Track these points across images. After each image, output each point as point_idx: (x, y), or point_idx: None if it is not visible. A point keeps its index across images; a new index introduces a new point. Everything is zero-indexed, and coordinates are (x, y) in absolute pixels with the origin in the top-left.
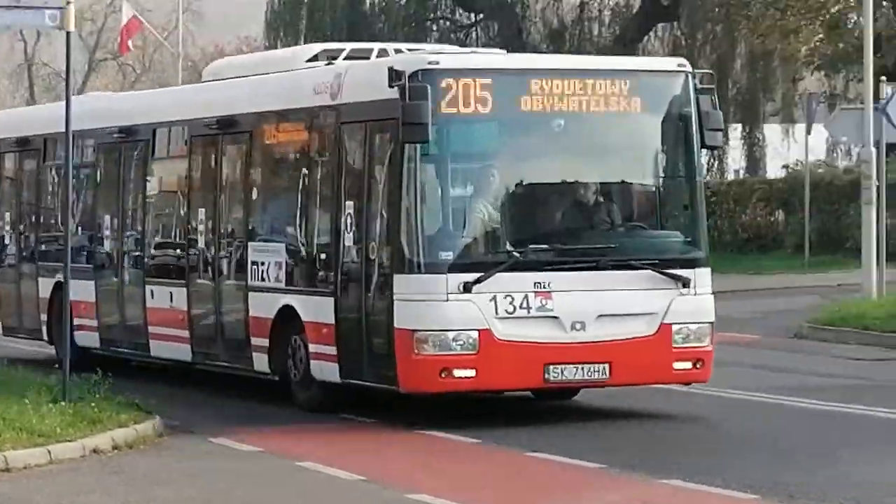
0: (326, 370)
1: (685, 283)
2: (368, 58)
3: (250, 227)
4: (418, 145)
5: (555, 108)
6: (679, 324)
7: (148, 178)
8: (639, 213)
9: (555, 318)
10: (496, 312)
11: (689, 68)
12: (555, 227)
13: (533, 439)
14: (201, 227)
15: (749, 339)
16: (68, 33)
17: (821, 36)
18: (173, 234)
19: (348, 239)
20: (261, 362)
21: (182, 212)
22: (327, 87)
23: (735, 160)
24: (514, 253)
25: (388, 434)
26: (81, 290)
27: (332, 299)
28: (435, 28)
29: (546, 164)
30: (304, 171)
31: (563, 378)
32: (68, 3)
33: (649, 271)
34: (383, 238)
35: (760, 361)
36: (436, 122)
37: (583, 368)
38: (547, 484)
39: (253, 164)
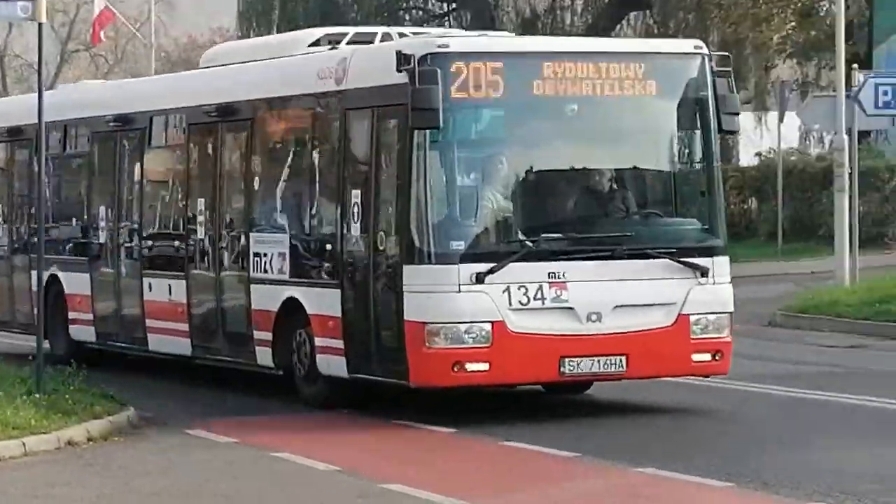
0: (333, 365)
1: (703, 273)
2: (372, 42)
3: (252, 218)
4: (428, 131)
5: (568, 93)
6: (697, 314)
7: (144, 167)
8: (655, 200)
9: (570, 309)
10: (510, 304)
11: (705, 50)
12: (569, 216)
13: (508, 429)
14: (200, 218)
15: None
16: (40, 24)
17: (793, 24)
18: (171, 224)
19: (355, 229)
20: (264, 357)
21: (180, 202)
22: (332, 72)
23: None
24: (528, 242)
25: (364, 425)
26: (76, 283)
27: (338, 291)
28: (408, 17)
29: (559, 150)
30: (308, 158)
31: (579, 371)
32: None
33: (666, 260)
34: (392, 228)
35: (734, 349)
36: (446, 107)
37: (599, 361)
38: (522, 473)
39: (254, 152)
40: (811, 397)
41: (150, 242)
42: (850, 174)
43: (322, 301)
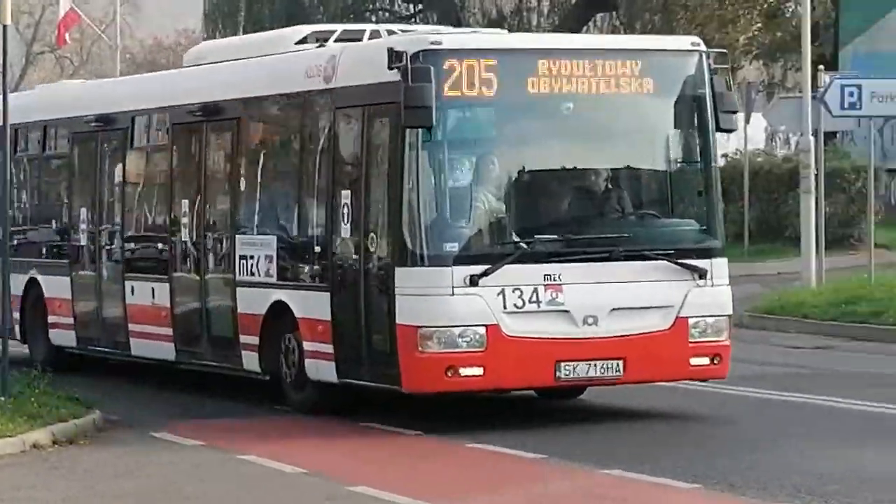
0: (322, 370)
1: (702, 274)
2: (360, 39)
3: (238, 219)
4: (420, 130)
5: (563, 90)
6: (696, 317)
7: (126, 168)
8: (652, 201)
9: (566, 312)
10: (504, 307)
11: (703, 47)
12: (565, 216)
13: (474, 432)
14: (185, 220)
15: None
16: (5, 26)
17: (759, 25)
18: (154, 227)
19: (345, 231)
20: (250, 361)
21: (164, 203)
22: (320, 70)
23: None
24: (523, 244)
25: (331, 427)
26: (56, 287)
27: (327, 294)
28: (374, 19)
29: (555, 150)
30: (296, 159)
31: (576, 376)
32: None
33: (664, 262)
34: (383, 229)
35: None
36: (439, 105)
37: (595, 365)
38: (489, 475)
39: (240, 153)
40: (777, 398)
41: (132, 245)
42: (817, 175)
43: (311, 304)
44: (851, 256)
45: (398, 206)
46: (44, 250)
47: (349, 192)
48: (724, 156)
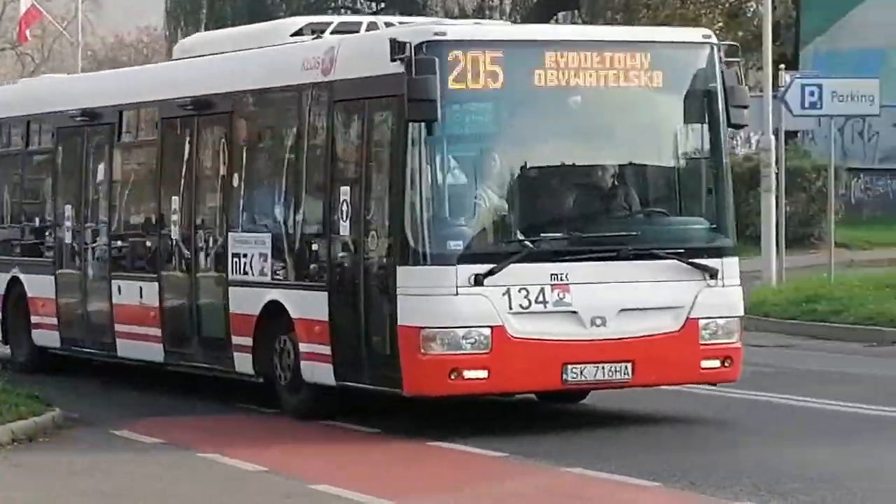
0: (319, 372)
1: (713, 274)
2: (357, 31)
3: (230, 217)
4: (424, 124)
5: (571, 84)
6: (706, 318)
7: (113, 163)
8: (661, 198)
9: (573, 312)
10: (510, 307)
11: (714, 40)
12: (572, 214)
13: (436, 430)
14: (175, 217)
15: None
16: None
17: (720, 24)
18: (143, 224)
19: (344, 228)
20: (243, 363)
21: (152, 200)
22: (318, 63)
23: None
24: (529, 242)
25: (291, 425)
26: (39, 286)
27: (325, 294)
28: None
29: (562, 145)
30: (292, 154)
31: (583, 379)
32: None
33: (674, 261)
34: (385, 227)
35: None
36: (442, 98)
37: (603, 368)
38: (449, 473)
39: (233, 148)
40: (739, 397)
41: (119, 243)
42: (777, 174)
43: (307, 304)
44: (812, 255)
45: (400, 203)
46: (27, 248)
47: (348, 188)
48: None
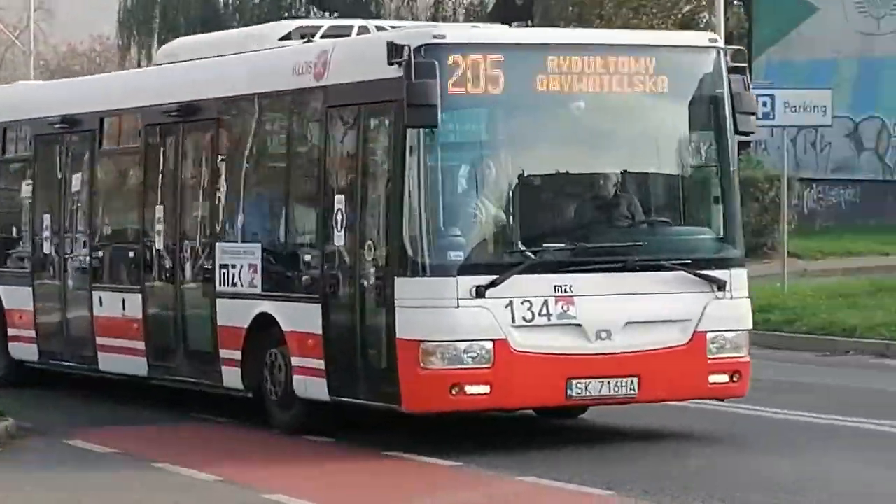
0: (312, 387)
1: (720, 286)
2: (348, 35)
3: (218, 226)
4: (422, 130)
5: (574, 89)
6: (714, 331)
7: (94, 171)
8: (668, 207)
9: (578, 325)
10: (513, 320)
11: (720, 44)
12: (576, 223)
13: (388, 441)
14: (159, 227)
15: None
16: None
17: None
18: (125, 234)
19: (338, 238)
20: (231, 378)
21: (136, 210)
22: (310, 67)
23: None
24: (532, 253)
25: (244, 435)
26: (17, 297)
27: (318, 306)
28: None
29: (564, 152)
30: (283, 161)
31: (588, 394)
32: None
33: (681, 272)
34: (382, 236)
35: None
36: (442, 104)
37: (609, 383)
38: (402, 483)
39: (220, 155)
40: (692, 406)
41: (100, 253)
42: None
43: (300, 317)
44: (765, 265)
45: (398, 212)
46: (3, 258)
47: (343, 196)
48: None
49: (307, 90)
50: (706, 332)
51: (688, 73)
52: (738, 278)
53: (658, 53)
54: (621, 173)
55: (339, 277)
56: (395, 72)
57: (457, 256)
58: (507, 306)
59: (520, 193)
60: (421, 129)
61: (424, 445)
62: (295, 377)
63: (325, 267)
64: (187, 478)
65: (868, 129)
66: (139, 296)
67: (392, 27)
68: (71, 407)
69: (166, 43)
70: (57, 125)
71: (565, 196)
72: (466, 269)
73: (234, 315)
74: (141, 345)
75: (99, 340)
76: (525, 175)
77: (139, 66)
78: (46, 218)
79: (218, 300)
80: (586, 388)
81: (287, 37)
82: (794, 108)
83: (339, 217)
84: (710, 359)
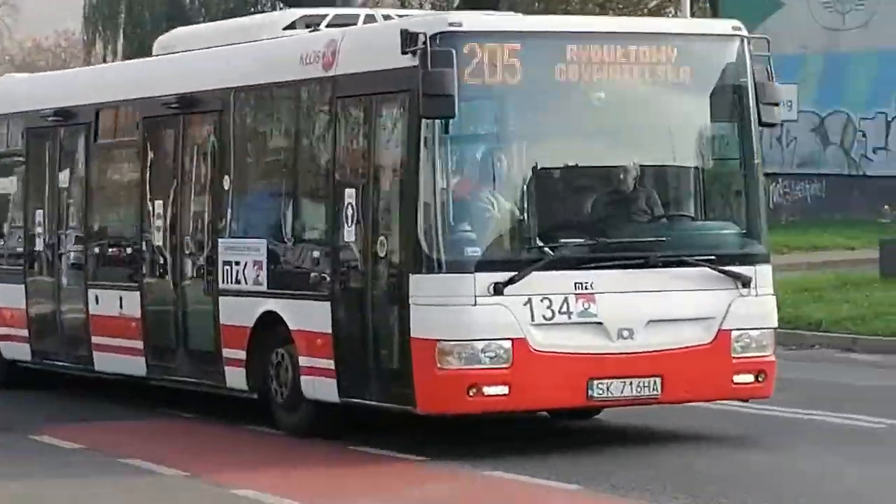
0: (321, 388)
1: (745, 283)
2: (355, 24)
3: (221, 222)
4: (439, 122)
5: (594, 79)
6: (739, 330)
7: (90, 166)
8: (691, 201)
9: (599, 324)
10: (532, 318)
11: (744, 32)
12: (597, 218)
13: (356, 435)
14: (158, 223)
15: None
16: None
17: None
18: (123, 230)
19: (349, 234)
20: (235, 378)
21: (134, 205)
22: (318, 57)
23: None
24: (552, 248)
25: (211, 430)
26: (9, 295)
27: (328, 304)
28: None
29: (584, 144)
30: (290, 154)
31: (609, 395)
32: None
33: (706, 268)
34: (395, 232)
35: None
36: (458, 94)
37: (631, 383)
38: (369, 478)
39: (223, 148)
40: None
41: (96, 250)
42: None
43: (308, 315)
44: None
45: (413, 206)
46: None
47: (354, 190)
48: None
49: (315, 80)
50: (731, 330)
51: (711, 63)
52: (763, 274)
53: (680, 42)
54: (644, 166)
55: (349, 274)
56: (409, 61)
57: (474, 252)
58: (525, 304)
59: (538, 187)
60: (436, 121)
61: (388, 439)
62: (303, 378)
63: (335, 263)
64: (153, 473)
65: (834, 123)
66: (137, 293)
67: (399, 16)
68: (43, 403)
69: (131, 39)
70: (50, 118)
71: (585, 190)
72: (484, 265)
73: (238, 313)
74: (139, 344)
75: (94, 339)
76: (543, 168)
77: (104, 61)
78: (39, 213)
79: (221, 298)
80: (608, 388)
81: (291, 26)
82: None
83: (349, 212)
84: (734, 358)
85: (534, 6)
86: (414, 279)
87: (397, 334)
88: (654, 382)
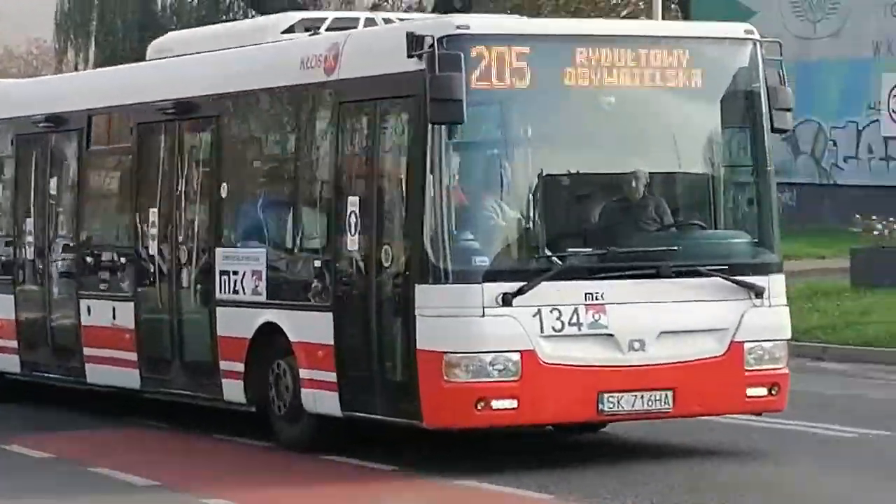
0: (322, 401)
1: (758, 293)
2: (355, 27)
3: (218, 231)
4: (446, 127)
5: (605, 83)
6: (752, 342)
7: (82, 173)
8: (702, 210)
9: (609, 336)
10: (541, 330)
11: (756, 35)
12: (607, 227)
13: (328, 444)
14: (153, 231)
15: None
16: None
17: None
18: (116, 239)
19: (352, 242)
20: (233, 391)
21: (127, 213)
22: (320, 61)
23: None
24: (561, 258)
25: (184, 440)
26: None
27: (329, 315)
28: None
29: (595, 151)
30: (289, 161)
31: (620, 409)
32: None
33: (718, 279)
34: (400, 241)
35: None
36: (466, 99)
37: (642, 397)
38: (337, 487)
39: (221, 155)
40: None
41: (89, 260)
42: None
43: (309, 326)
44: None
45: (419, 215)
46: None
47: (357, 198)
48: None
49: (317, 85)
50: (743, 342)
51: (723, 67)
52: (776, 284)
53: (692, 46)
54: (655, 174)
55: (352, 284)
56: (414, 64)
57: (482, 262)
58: (535, 315)
59: (547, 194)
60: (443, 126)
61: (357, 449)
62: (303, 391)
63: (338, 273)
64: (123, 482)
65: (805, 132)
66: (131, 304)
67: (399, 19)
68: (29, 416)
69: (103, 46)
70: (41, 124)
71: (595, 197)
72: (492, 275)
73: (237, 324)
74: (133, 356)
75: (87, 351)
76: (553, 175)
77: (76, 69)
78: (29, 222)
79: (218, 308)
80: (619, 402)
81: (290, 29)
82: None
83: (352, 220)
84: (747, 371)
85: (507, 13)
86: (420, 289)
87: (402, 346)
88: (666, 396)
